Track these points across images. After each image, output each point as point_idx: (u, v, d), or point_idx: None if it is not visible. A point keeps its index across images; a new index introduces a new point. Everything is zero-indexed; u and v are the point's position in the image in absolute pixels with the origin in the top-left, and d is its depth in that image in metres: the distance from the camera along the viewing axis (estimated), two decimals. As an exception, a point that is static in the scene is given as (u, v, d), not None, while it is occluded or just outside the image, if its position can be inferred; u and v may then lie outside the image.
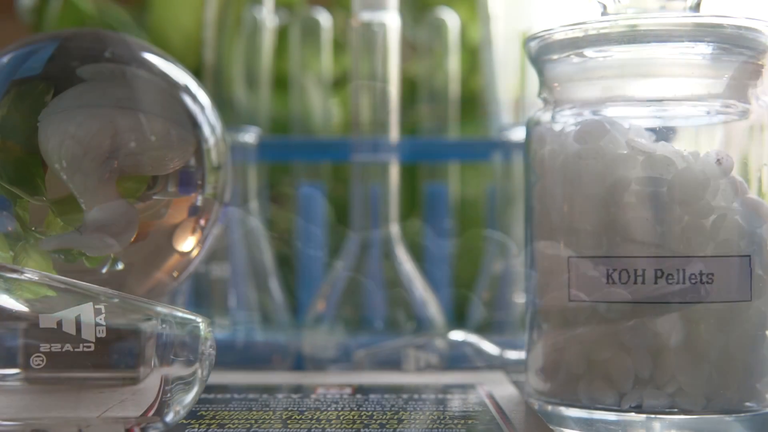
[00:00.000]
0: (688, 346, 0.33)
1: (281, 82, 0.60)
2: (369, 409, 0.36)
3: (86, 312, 0.30)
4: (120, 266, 0.37)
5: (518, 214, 0.53)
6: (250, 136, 0.52)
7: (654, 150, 0.34)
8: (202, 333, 0.31)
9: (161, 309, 0.31)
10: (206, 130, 0.39)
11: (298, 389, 0.40)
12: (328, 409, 0.36)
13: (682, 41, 0.34)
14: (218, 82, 0.52)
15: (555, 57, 0.36)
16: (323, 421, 0.34)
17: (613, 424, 0.34)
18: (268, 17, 0.55)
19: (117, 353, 0.31)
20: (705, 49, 0.35)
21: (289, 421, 0.34)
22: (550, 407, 0.36)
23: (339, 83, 0.62)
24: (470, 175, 0.61)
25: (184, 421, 0.33)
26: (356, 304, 0.49)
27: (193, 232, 0.39)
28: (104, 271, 0.37)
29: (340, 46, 0.62)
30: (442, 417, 0.35)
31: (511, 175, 0.54)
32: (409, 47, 0.61)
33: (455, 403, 0.37)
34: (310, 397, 0.38)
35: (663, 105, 0.35)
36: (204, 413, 0.35)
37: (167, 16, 0.61)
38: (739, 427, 0.34)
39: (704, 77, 0.35)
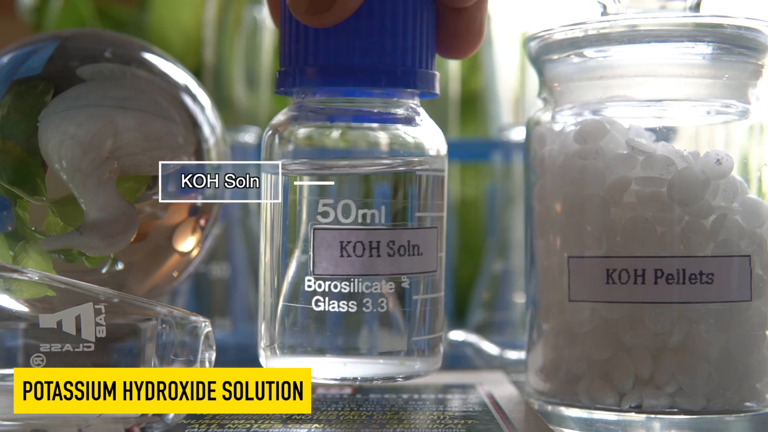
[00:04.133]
0: (688, 346, 0.33)
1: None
2: (369, 409, 0.36)
3: (86, 312, 0.30)
4: (120, 266, 0.37)
5: (518, 214, 0.53)
6: (250, 136, 0.52)
7: (654, 150, 0.34)
8: (202, 333, 0.31)
9: (161, 309, 0.31)
10: (206, 130, 0.39)
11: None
12: (328, 409, 0.36)
13: (682, 41, 0.34)
14: (218, 82, 0.52)
15: (555, 57, 0.36)
16: (323, 421, 0.34)
17: (613, 424, 0.34)
18: (268, 17, 0.55)
19: (117, 353, 0.31)
20: (705, 49, 0.35)
21: (289, 421, 0.34)
22: (550, 407, 0.36)
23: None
24: (470, 175, 0.61)
25: (184, 421, 0.33)
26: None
27: (193, 232, 0.39)
28: (104, 271, 0.37)
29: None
30: (442, 417, 0.35)
31: (511, 175, 0.54)
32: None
33: (455, 403, 0.37)
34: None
35: (663, 105, 0.35)
36: (204, 413, 0.35)
37: (167, 16, 0.61)
38: (739, 427, 0.34)
39: (704, 77, 0.35)
